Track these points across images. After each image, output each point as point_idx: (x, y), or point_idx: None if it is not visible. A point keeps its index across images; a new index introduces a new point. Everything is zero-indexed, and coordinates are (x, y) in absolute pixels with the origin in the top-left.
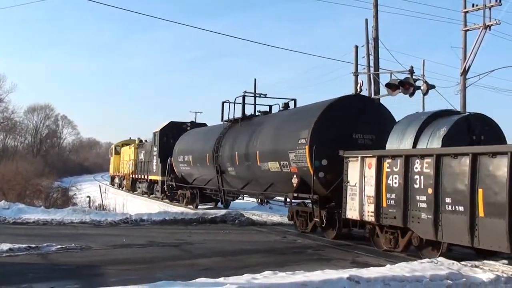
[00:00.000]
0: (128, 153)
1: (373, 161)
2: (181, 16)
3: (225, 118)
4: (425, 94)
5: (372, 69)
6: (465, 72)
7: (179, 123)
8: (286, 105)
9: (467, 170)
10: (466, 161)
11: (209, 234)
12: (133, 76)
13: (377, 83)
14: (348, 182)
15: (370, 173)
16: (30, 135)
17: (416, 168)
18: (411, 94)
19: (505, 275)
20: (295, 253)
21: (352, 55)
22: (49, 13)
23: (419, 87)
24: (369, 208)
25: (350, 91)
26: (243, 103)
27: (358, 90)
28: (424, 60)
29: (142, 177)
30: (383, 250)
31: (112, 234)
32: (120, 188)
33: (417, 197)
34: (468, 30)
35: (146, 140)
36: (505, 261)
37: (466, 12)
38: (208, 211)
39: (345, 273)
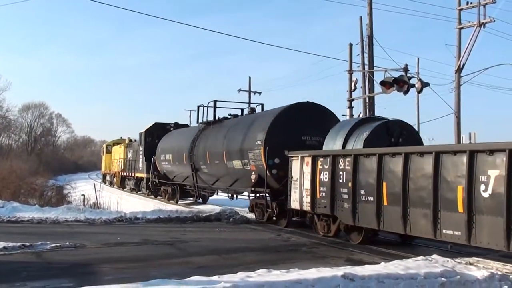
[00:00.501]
0: (118, 152)
1: (309, 160)
2: (176, 14)
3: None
4: (419, 92)
5: (366, 67)
6: (459, 70)
7: (163, 124)
8: (252, 110)
9: (375, 167)
10: (375, 159)
11: (204, 232)
12: (128, 74)
13: (371, 81)
14: (292, 177)
15: (308, 170)
16: (24, 134)
17: (340, 165)
18: (405, 92)
19: (499, 273)
20: (290, 251)
21: (347, 52)
22: (44, 11)
23: (413, 85)
24: (307, 199)
25: (345, 88)
26: (215, 108)
27: (353, 87)
28: (418, 58)
29: (130, 174)
30: (322, 236)
31: (107, 233)
32: (111, 186)
33: (341, 189)
34: (462, 28)
35: (135, 140)
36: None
37: (460, 10)
38: (203, 209)
39: (339, 271)
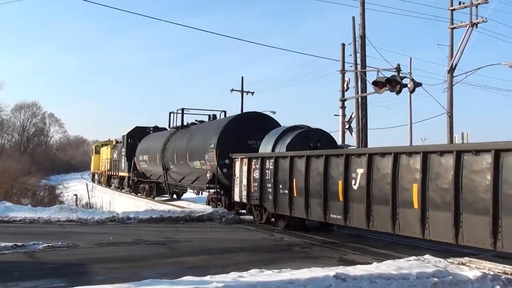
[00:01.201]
0: (105, 152)
1: (246, 161)
2: (168, 13)
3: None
4: (411, 91)
5: (359, 67)
6: (452, 69)
7: (144, 128)
8: (214, 117)
9: (288, 167)
10: (288, 160)
11: (196, 232)
12: (121, 73)
13: (364, 81)
14: (235, 175)
15: (245, 169)
16: (17, 133)
17: (267, 165)
18: (398, 92)
19: (491, 273)
20: (282, 251)
21: (339, 52)
22: (36, 10)
23: (405, 85)
24: (245, 193)
25: (338, 88)
26: (182, 114)
27: (345, 87)
28: (411, 58)
29: (115, 174)
30: (258, 223)
31: (99, 232)
32: (99, 184)
33: (267, 184)
34: (455, 27)
35: (120, 142)
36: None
37: (453, 10)
38: (195, 209)
39: (331, 271)
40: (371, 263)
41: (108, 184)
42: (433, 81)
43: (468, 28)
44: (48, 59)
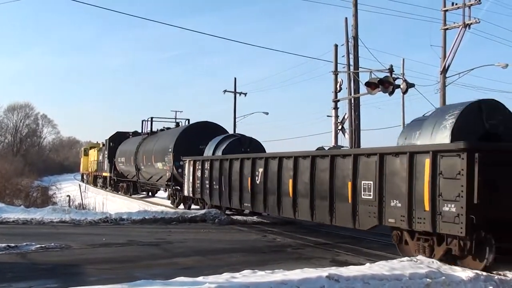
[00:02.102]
0: (93, 155)
1: (192, 162)
2: (160, 14)
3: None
4: (404, 92)
5: (351, 68)
6: (444, 70)
7: (124, 132)
8: (177, 124)
9: (218, 167)
10: (218, 162)
11: (189, 233)
12: (113, 74)
13: (356, 82)
14: (185, 174)
15: (191, 169)
16: (10, 134)
17: (206, 166)
18: (391, 93)
19: (484, 273)
20: (275, 252)
21: (332, 53)
22: (29, 12)
23: (398, 86)
24: (191, 189)
25: (331, 89)
26: (151, 122)
27: (338, 88)
28: (403, 59)
29: (100, 174)
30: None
31: (92, 233)
32: (87, 183)
33: (206, 181)
34: (447, 28)
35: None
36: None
37: (445, 11)
38: (188, 210)
39: (324, 272)
40: (364, 264)
41: (95, 184)
42: (426, 82)
43: (461, 29)
44: (40, 60)
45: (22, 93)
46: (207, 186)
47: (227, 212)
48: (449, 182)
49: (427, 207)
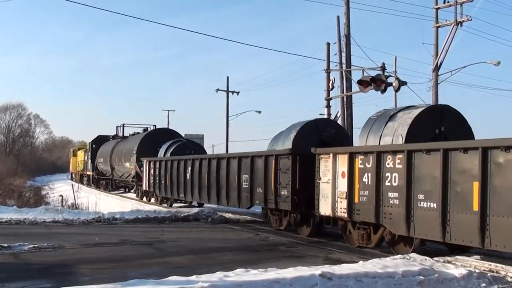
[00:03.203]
0: (80, 155)
1: (148, 162)
2: (154, 13)
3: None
4: (396, 90)
5: (344, 66)
6: (437, 68)
7: (105, 136)
8: (145, 130)
9: (164, 166)
10: (164, 163)
11: (182, 232)
12: (107, 74)
13: (349, 80)
14: (143, 172)
15: (147, 167)
16: (2, 134)
17: (157, 166)
18: (383, 91)
19: (477, 271)
20: (268, 250)
21: (324, 52)
22: (21, 11)
23: (390, 84)
24: (147, 184)
25: (323, 87)
26: (123, 129)
27: (330, 87)
28: (396, 57)
29: (85, 173)
30: (159, 204)
31: (85, 233)
32: (74, 181)
33: (157, 178)
34: (439, 26)
35: None
36: (478, 257)
37: (437, 9)
38: (181, 209)
39: (317, 270)
40: (357, 262)
41: (81, 182)
42: (419, 80)
43: (453, 26)
44: (33, 60)
45: (14, 93)
46: (157, 181)
47: (175, 204)
48: (284, 175)
49: (273, 192)
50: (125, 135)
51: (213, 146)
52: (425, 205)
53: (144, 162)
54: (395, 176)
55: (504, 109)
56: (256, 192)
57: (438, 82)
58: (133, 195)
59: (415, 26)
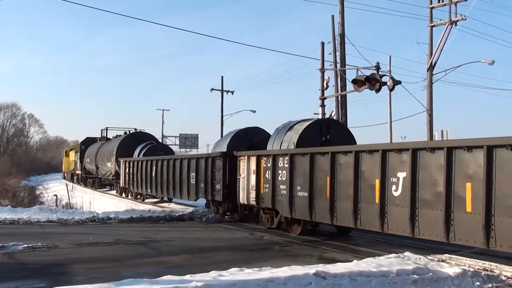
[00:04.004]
0: (72, 155)
1: (125, 162)
2: (148, 13)
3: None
4: (391, 90)
5: (338, 66)
6: (431, 67)
7: (93, 138)
8: (125, 133)
9: (136, 165)
10: (136, 163)
11: (177, 232)
12: (101, 73)
13: (343, 79)
14: (121, 171)
15: (123, 167)
16: None
17: (131, 165)
18: (377, 90)
19: (471, 269)
20: (262, 249)
21: (319, 51)
22: (16, 11)
23: (385, 83)
24: (124, 181)
25: (318, 86)
26: (106, 131)
27: (325, 86)
28: (390, 56)
29: (76, 172)
30: (134, 199)
31: (79, 233)
32: (65, 179)
33: (131, 176)
34: (434, 25)
35: None
36: (467, 257)
37: (432, 8)
38: (176, 209)
39: (311, 269)
40: (351, 261)
41: (72, 180)
42: (413, 79)
43: (448, 26)
44: (27, 59)
45: (9, 92)
46: (131, 179)
47: (148, 200)
48: (218, 172)
49: (210, 186)
50: (110, 137)
51: (208, 145)
52: (301, 194)
53: (121, 162)
54: (284, 173)
55: (502, 108)
56: (200, 187)
57: (433, 81)
58: (114, 191)
59: (409, 26)
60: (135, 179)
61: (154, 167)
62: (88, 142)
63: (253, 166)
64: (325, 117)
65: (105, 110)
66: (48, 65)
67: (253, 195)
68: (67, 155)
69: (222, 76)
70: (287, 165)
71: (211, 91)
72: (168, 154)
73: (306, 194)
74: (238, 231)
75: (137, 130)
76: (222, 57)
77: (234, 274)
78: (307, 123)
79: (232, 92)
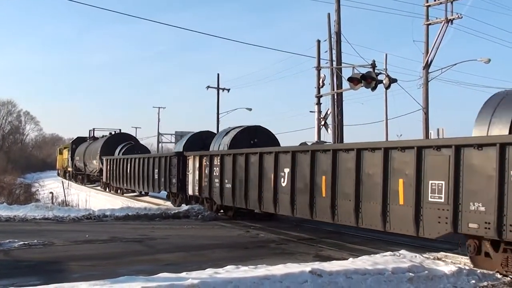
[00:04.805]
0: (65, 153)
1: (107, 160)
2: (144, 10)
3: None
4: (387, 88)
5: (334, 64)
6: (427, 66)
7: (83, 137)
8: (110, 133)
9: (116, 163)
10: (115, 160)
11: (172, 229)
12: (97, 71)
13: (339, 77)
14: (104, 168)
15: (106, 164)
16: None
17: (112, 162)
18: (373, 88)
19: (467, 268)
20: (258, 247)
21: (315, 49)
22: (11, 7)
23: (381, 81)
24: (106, 177)
25: (314, 84)
26: (93, 132)
27: (321, 84)
28: (386, 54)
29: (68, 169)
30: (116, 193)
31: (75, 230)
32: (59, 176)
33: (114, 172)
34: (430, 24)
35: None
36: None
37: (428, 6)
38: (171, 206)
39: (307, 267)
40: (347, 259)
41: (64, 176)
42: (409, 77)
43: (444, 24)
44: (23, 56)
45: (4, 90)
46: (112, 175)
47: (127, 194)
48: (174, 169)
49: (168, 180)
50: (98, 137)
51: None
52: (227, 186)
53: (104, 159)
54: (217, 169)
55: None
56: (161, 181)
57: (429, 80)
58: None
59: (406, 24)
60: (114, 175)
61: (129, 165)
62: (79, 141)
63: (197, 164)
64: (321, 115)
65: (101, 107)
66: (44, 63)
67: (197, 187)
68: (61, 153)
69: (218, 74)
70: (219, 163)
71: (207, 88)
72: (144, 153)
73: (230, 186)
74: (234, 229)
75: (121, 131)
76: (219, 55)
77: (230, 271)
78: (238, 129)
79: (228, 90)
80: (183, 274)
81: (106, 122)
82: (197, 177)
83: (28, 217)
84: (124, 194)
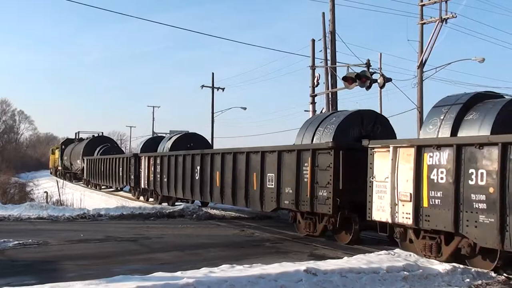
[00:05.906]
0: (57, 153)
1: (86, 160)
2: (139, 9)
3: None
4: (381, 87)
5: (329, 63)
6: (422, 65)
7: (72, 139)
8: (93, 136)
9: (96, 162)
10: (93, 160)
11: (167, 229)
12: (91, 70)
13: (334, 77)
14: (85, 167)
15: (86, 163)
16: None
17: (91, 162)
18: (368, 87)
19: (461, 266)
20: (253, 246)
21: (310, 48)
22: (5, 5)
23: (375, 80)
24: (86, 175)
25: (308, 83)
26: (78, 134)
27: (316, 83)
28: (381, 54)
29: (58, 168)
30: (96, 189)
31: (70, 230)
32: (51, 175)
33: (92, 170)
34: (424, 23)
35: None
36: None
37: (422, 5)
38: (166, 205)
39: (302, 266)
40: (341, 258)
41: (55, 175)
42: (404, 76)
43: (438, 23)
44: (17, 55)
45: None
46: (91, 172)
47: (105, 189)
48: (132, 167)
49: (128, 177)
50: (84, 138)
51: None
52: (165, 180)
53: (85, 159)
54: (158, 167)
55: None
56: (124, 177)
57: (423, 79)
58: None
59: (400, 23)
60: (93, 173)
61: (103, 164)
62: (67, 142)
63: (147, 163)
64: (316, 113)
65: (95, 106)
66: (38, 61)
67: (146, 182)
68: (53, 153)
69: (212, 73)
70: (159, 162)
71: (202, 88)
72: (118, 153)
73: (166, 179)
74: (229, 228)
75: (103, 134)
76: (213, 54)
77: (225, 270)
78: (178, 135)
79: (223, 89)
80: (178, 273)
81: (101, 121)
82: (147, 173)
83: (23, 217)
84: (102, 189)
